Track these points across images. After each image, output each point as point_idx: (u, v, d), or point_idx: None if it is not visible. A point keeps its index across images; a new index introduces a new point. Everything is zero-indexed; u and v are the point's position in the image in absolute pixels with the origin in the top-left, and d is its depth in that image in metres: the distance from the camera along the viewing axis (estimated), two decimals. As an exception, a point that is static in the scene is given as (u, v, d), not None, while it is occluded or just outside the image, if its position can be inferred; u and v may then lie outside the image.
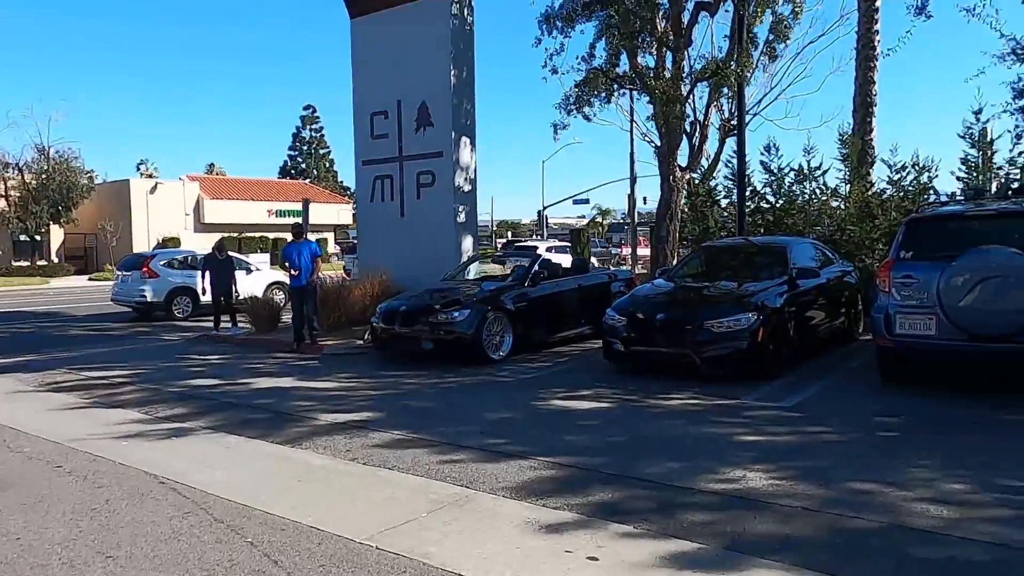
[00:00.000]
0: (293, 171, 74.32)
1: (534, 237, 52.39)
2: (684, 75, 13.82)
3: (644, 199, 39.80)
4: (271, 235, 45.55)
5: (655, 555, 3.78)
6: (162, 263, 17.30)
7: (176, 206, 43.25)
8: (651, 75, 13.92)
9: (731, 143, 17.73)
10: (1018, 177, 14.65)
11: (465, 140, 13.43)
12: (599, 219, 73.72)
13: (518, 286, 10.11)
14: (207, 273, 13.37)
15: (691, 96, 14.06)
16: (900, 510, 4.23)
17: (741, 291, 8.27)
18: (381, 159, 14.05)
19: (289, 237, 12.17)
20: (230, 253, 14.45)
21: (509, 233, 69.27)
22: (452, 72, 13.00)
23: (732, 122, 19.26)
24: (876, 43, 16.73)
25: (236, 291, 13.58)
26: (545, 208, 55.53)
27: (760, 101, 20.42)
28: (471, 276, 11.44)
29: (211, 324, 13.52)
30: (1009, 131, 12.82)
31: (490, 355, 9.38)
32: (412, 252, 13.17)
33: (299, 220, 16.51)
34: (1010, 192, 7.39)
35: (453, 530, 4.19)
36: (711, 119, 14.91)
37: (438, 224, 13.15)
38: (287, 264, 11.20)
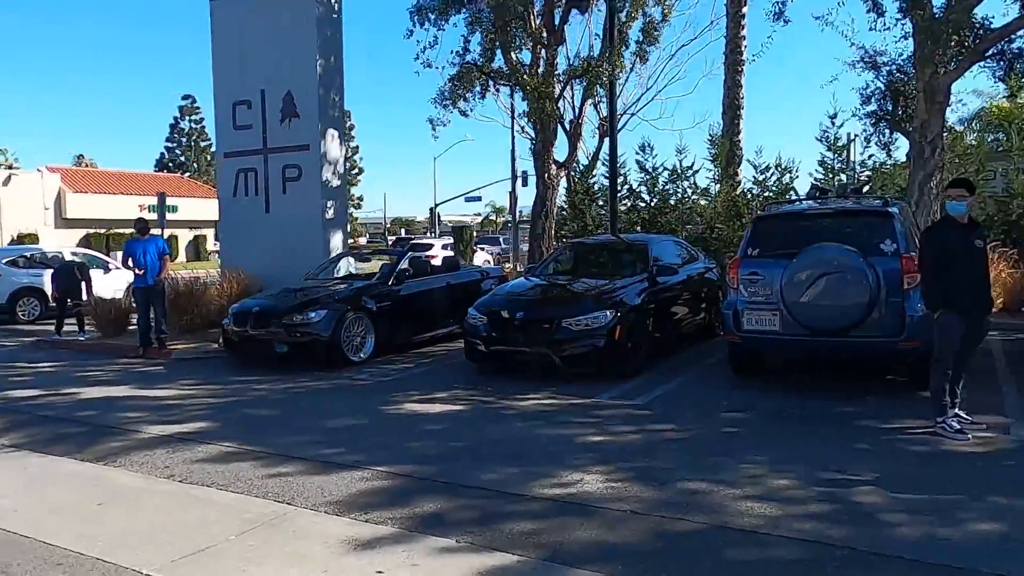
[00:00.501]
0: (171, 164, 70.35)
1: (428, 235, 51.82)
2: (558, 73, 13.82)
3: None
4: (144, 231, 42.79)
5: (472, 570, 3.56)
6: (4, 261, 15.76)
7: (34, 199, 39.91)
8: (525, 71, 13.84)
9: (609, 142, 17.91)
10: (870, 177, 15.55)
11: (333, 133, 12.88)
12: (493, 216, 73.85)
13: (382, 285, 9.73)
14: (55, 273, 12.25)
15: (564, 94, 14.08)
16: (725, 510, 4.20)
17: (600, 288, 8.23)
18: (244, 151, 13.24)
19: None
20: (82, 250, 13.30)
21: (402, 230, 68.29)
22: (319, 61, 12.42)
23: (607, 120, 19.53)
24: (743, 47, 17.38)
25: (89, 293, 12.51)
26: (437, 205, 55.02)
27: (637, 102, 20.94)
28: (336, 275, 10.95)
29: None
30: (857, 135, 13.52)
31: (350, 357, 8.96)
32: (278, 250, 12.48)
33: (156, 215, 15.43)
34: (850, 192, 7.69)
35: (259, 555, 3.82)
36: (586, 117, 15.01)
37: (305, 220, 12.53)
38: (131, 263, 10.35)
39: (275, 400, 7.44)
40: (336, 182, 12.85)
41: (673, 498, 4.40)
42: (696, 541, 3.82)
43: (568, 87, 13.89)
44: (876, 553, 3.59)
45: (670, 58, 19.74)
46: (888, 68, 12.45)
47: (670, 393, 7.15)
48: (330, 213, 12.63)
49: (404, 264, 10.09)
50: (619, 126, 20.36)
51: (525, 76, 13.40)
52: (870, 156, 16.10)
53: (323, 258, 11.94)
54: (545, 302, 8.31)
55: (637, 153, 17.26)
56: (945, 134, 12.28)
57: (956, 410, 5.76)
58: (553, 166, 14.61)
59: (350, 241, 15.00)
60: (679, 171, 17.09)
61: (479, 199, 60.13)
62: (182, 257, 44.21)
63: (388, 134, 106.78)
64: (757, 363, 7.73)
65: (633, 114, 20.25)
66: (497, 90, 13.73)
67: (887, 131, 12.58)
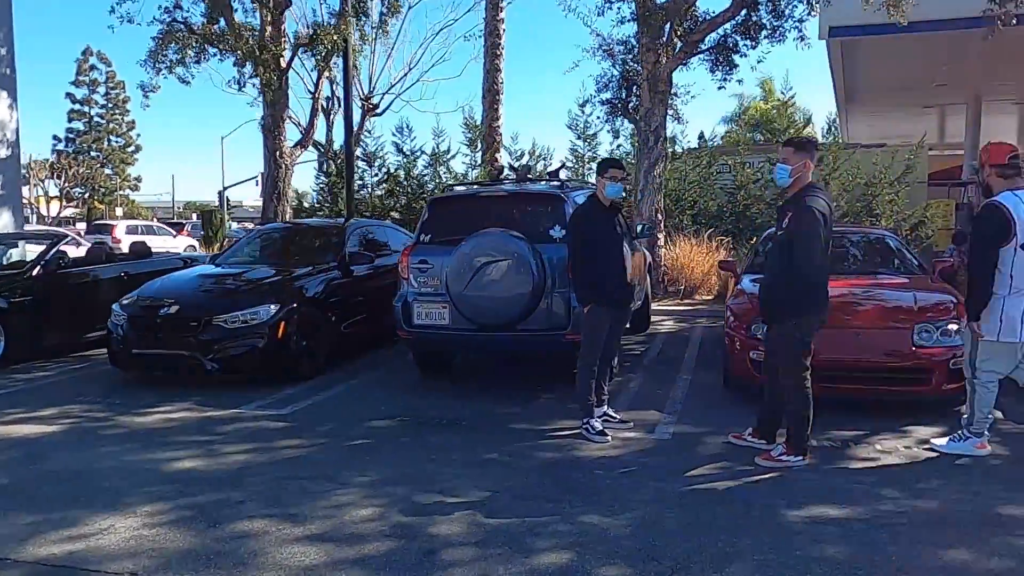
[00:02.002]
0: None
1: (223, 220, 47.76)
2: (287, 41, 12.52)
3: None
4: None
5: None
6: None
7: None
8: (252, 37, 12.39)
9: (378, 122, 16.84)
10: (563, 162, 15.76)
11: (2, 94, 10.74)
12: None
13: (20, 275, 8.01)
14: None
15: (293, 64, 12.80)
16: (261, 559, 3.34)
17: (268, 280, 7.18)
18: None
19: None
20: None
21: (194, 215, 62.51)
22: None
23: (373, 100, 18.47)
24: (501, 31, 16.99)
25: None
26: (226, 188, 51.03)
27: (401, 81, 20.07)
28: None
29: None
30: (599, 118, 13.54)
31: (-36, 365, 7.22)
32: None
33: None
34: (547, 174, 7.24)
35: None
36: (323, 92, 13.83)
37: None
38: None
39: None
40: (4, 152, 10.73)
41: (210, 547, 3.48)
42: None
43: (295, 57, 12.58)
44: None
45: (433, 37, 19.01)
46: (623, 57, 12.49)
47: (329, 400, 6.27)
48: (-7, 188, 10.52)
49: (56, 251, 8.39)
50: (383, 107, 19.46)
51: (248, 43, 11.95)
52: (619, 146, 16.40)
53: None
54: (199, 296, 7.08)
55: (394, 135, 16.43)
56: (674, 124, 12.55)
57: (605, 408, 5.38)
58: (285, 145, 13.29)
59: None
60: (437, 155, 16.48)
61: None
62: None
63: (179, 111, 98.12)
64: (443, 361, 7.09)
65: (398, 95, 19.34)
66: (222, 56, 12.14)
67: (622, 119, 12.64)
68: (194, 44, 11.91)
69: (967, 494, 3.98)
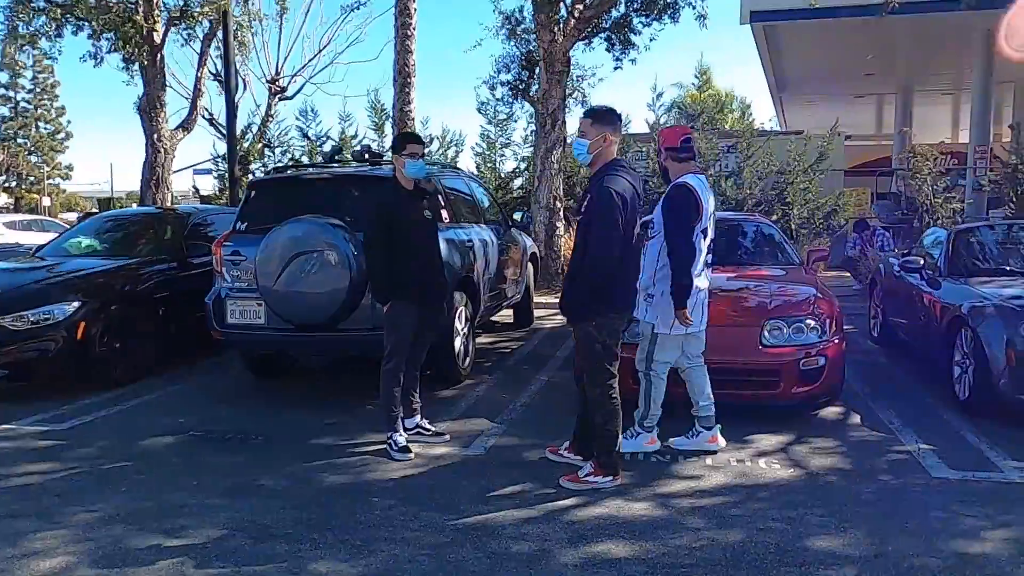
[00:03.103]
0: None
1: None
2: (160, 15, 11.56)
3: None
4: None
5: None
6: None
7: None
8: (117, 7, 11.36)
9: (287, 106, 16.01)
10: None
11: None
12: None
13: None
14: None
15: (166, 41, 11.84)
16: None
17: (78, 274, 6.34)
18: None
19: None
20: None
21: (134, 204, 60.20)
22: None
23: (280, 82, 17.54)
24: (412, 10, 16.08)
25: None
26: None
27: (313, 64, 19.14)
28: None
29: None
30: (500, 101, 12.89)
31: None
32: None
33: None
34: (367, 156, 6.56)
35: None
36: (207, 72, 12.89)
37: None
38: None
39: None
40: None
41: None
42: None
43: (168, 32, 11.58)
44: None
45: (344, 17, 18.19)
46: (526, 37, 11.85)
47: (125, 412, 5.48)
48: None
49: None
50: (294, 90, 18.51)
51: (107, 11, 10.96)
52: (533, 132, 15.78)
53: None
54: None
55: (298, 119, 15.60)
56: (573, 106, 11.98)
57: (417, 419, 4.74)
58: (165, 127, 12.33)
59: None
60: (344, 140, 15.71)
61: (209, 172, 55.04)
62: None
63: (111, 98, 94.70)
64: (279, 364, 6.39)
65: (309, 78, 18.41)
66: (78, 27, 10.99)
67: (523, 102, 12.02)
68: (51, 15, 10.85)
69: (780, 521, 3.43)
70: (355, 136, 15.66)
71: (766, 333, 4.84)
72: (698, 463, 4.22)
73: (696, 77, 35.44)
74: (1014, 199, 12.01)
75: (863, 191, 14.81)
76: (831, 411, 5.15)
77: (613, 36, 10.44)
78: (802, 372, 4.76)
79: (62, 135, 60.43)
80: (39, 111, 58.74)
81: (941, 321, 5.51)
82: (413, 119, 16.44)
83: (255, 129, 16.30)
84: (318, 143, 15.45)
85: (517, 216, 8.29)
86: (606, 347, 3.71)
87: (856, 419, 5.00)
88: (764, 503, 3.65)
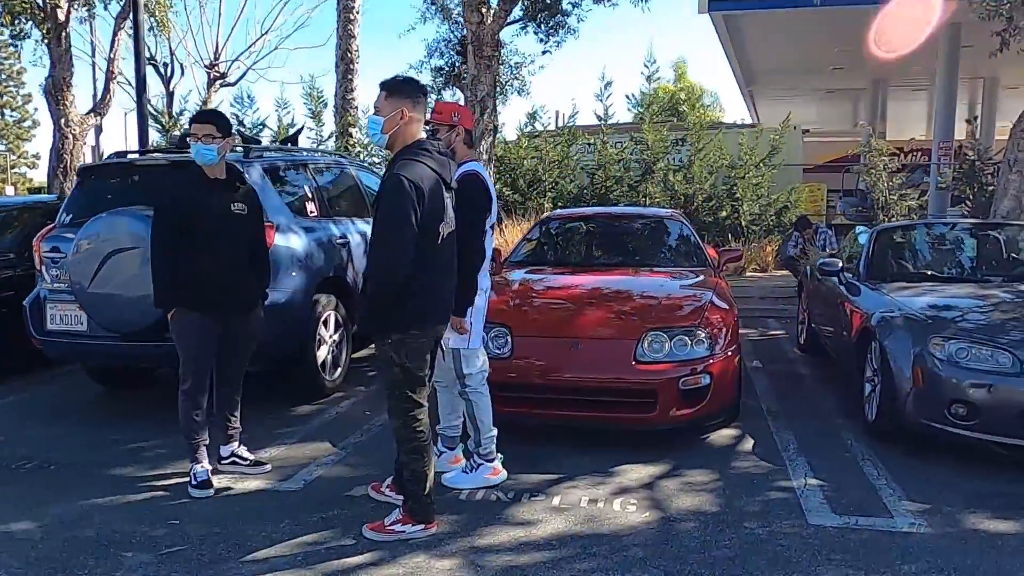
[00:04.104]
0: None
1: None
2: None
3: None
4: None
5: None
6: None
7: None
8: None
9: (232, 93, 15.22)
10: (300, 127, 14.48)
11: None
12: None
13: None
14: None
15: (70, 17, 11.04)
16: None
17: None
18: None
19: None
20: None
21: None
22: None
23: (219, 67, 16.73)
24: (355, -7, 15.46)
25: None
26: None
27: (258, 49, 18.34)
28: None
29: None
30: (430, 88, 12.17)
31: None
32: None
33: None
34: (282, 141, 5.82)
35: None
36: (119, 53, 12.11)
37: None
38: None
39: None
40: None
41: None
42: None
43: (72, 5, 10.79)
44: None
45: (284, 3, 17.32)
46: (460, 20, 11.15)
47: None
48: None
49: None
50: (236, 76, 17.71)
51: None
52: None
53: None
54: None
55: (233, 105, 14.82)
56: (511, 94, 11.33)
57: (234, 447, 4.06)
58: (73, 111, 11.54)
59: None
60: (281, 128, 14.96)
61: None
62: None
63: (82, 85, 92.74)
64: (126, 372, 5.69)
65: (253, 64, 17.61)
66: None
67: (454, 89, 11.34)
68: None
69: (602, 588, 2.80)
70: (292, 124, 14.92)
71: (644, 346, 4.21)
72: (542, 503, 3.58)
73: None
74: (971, 196, 11.48)
75: (819, 187, 14.25)
76: (724, 434, 4.53)
77: (542, 18, 9.77)
78: (682, 392, 4.14)
79: (28, 123, 58.99)
80: (4, 98, 57.26)
81: (853, 331, 4.90)
82: (356, 107, 15.75)
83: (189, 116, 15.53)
84: (254, 132, 14.67)
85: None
86: (407, 371, 3.05)
87: (748, 444, 4.38)
88: (596, 560, 3.02)
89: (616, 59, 69.50)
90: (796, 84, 22.28)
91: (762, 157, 12.78)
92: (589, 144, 13.86)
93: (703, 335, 4.28)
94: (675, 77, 33.67)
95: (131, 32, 10.54)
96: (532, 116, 13.73)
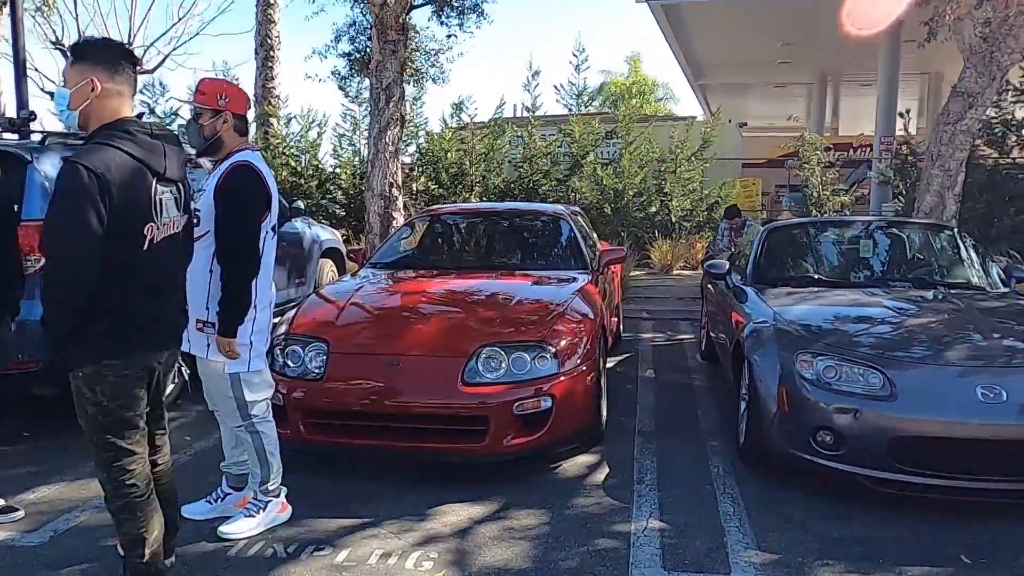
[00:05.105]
0: None
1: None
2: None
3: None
4: None
5: None
6: None
7: None
8: None
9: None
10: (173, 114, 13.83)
11: None
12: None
13: None
14: None
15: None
16: None
17: None
18: None
19: None
20: None
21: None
22: None
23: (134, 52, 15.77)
24: (274, -24, 14.68)
25: None
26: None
27: (173, 35, 17.45)
28: None
29: None
30: (336, 75, 11.46)
31: None
32: None
33: None
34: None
35: None
36: None
37: None
38: None
39: None
40: None
41: None
42: None
43: None
44: None
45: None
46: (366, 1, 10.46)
47: None
48: None
49: None
50: (153, 63, 16.78)
51: None
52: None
53: None
54: None
55: (143, 92, 13.93)
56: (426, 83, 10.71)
57: (-24, 491, 3.40)
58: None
59: None
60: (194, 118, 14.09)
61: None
62: None
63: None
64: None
65: (172, 51, 16.73)
66: None
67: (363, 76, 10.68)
68: None
69: None
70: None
71: (478, 364, 3.64)
72: (324, 559, 2.98)
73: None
74: (903, 192, 11.13)
75: (754, 182, 13.84)
76: (579, 462, 3.98)
77: (443, 3, 9.16)
78: (518, 418, 3.57)
79: None
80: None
81: (730, 343, 4.39)
82: (277, 96, 14.99)
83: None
84: (167, 120, 13.82)
85: (300, 204, 6.97)
86: (107, 411, 2.42)
87: (602, 475, 3.83)
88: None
89: (565, 52, 69.21)
90: (744, 78, 21.98)
91: (693, 151, 12.31)
92: (519, 137, 13.28)
93: (549, 350, 3.72)
94: (628, 71, 33.29)
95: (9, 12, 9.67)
96: (458, 107, 13.08)
